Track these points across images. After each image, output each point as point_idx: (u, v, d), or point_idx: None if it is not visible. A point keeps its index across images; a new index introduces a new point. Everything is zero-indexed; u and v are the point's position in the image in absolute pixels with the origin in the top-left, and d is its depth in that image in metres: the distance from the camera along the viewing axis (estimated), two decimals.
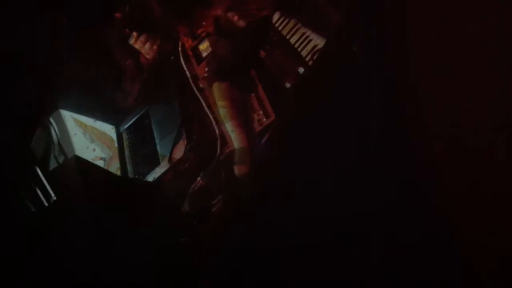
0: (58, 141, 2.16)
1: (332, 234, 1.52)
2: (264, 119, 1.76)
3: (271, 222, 1.53)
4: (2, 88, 1.89)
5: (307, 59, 1.73)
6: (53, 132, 2.16)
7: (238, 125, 1.78)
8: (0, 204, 1.64)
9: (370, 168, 1.48)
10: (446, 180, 1.47)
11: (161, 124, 2.21)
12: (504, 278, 1.40)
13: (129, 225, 1.66)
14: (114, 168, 2.27)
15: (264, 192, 1.58)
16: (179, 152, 2.04)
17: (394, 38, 1.53)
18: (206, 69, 1.98)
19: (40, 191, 1.72)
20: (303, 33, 1.77)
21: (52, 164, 2.11)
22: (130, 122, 2.36)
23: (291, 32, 1.81)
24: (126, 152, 2.30)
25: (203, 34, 2.03)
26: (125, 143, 2.33)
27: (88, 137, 2.36)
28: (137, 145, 2.28)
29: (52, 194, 1.71)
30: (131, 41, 2.15)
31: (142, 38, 2.12)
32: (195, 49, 2.05)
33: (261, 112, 1.77)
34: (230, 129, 1.79)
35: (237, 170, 1.73)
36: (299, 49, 1.76)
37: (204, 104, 1.96)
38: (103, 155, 2.33)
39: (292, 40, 1.79)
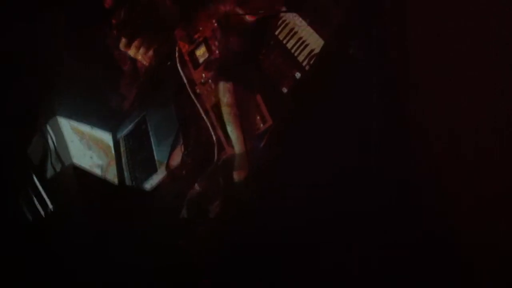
0: (55, 148, 2.16)
1: (332, 235, 1.51)
2: (261, 125, 1.75)
3: (271, 223, 1.53)
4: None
5: (304, 63, 1.73)
6: (49, 139, 2.16)
7: (238, 128, 1.77)
8: None
9: (369, 169, 1.48)
10: (446, 180, 1.47)
11: (158, 130, 2.20)
12: (504, 279, 1.39)
13: (127, 232, 1.66)
14: (111, 174, 2.26)
15: (263, 193, 1.58)
16: (176, 158, 2.03)
17: (394, 38, 1.53)
18: (211, 67, 1.97)
19: (37, 199, 1.71)
20: (300, 38, 1.77)
21: (49, 172, 2.10)
22: (127, 129, 2.35)
23: (288, 37, 1.81)
24: (123, 159, 2.29)
25: (200, 39, 2.03)
26: (122, 149, 2.32)
27: (85, 144, 2.35)
28: (134, 152, 2.27)
29: (49, 202, 1.71)
30: (122, 47, 2.13)
31: (136, 43, 2.11)
32: (192, 54, 2.05)
33: (257, 117, 1.77)
34: (231, 131, 1.78)
35: (236, 175, 1.72)
36: (296, 53, 1.76)
37: (201, 109, 1.96)
38: (100, 162, 2.33)
39: (289, 45, 1.79)
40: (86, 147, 2.35)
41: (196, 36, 2.05)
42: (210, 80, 1.97)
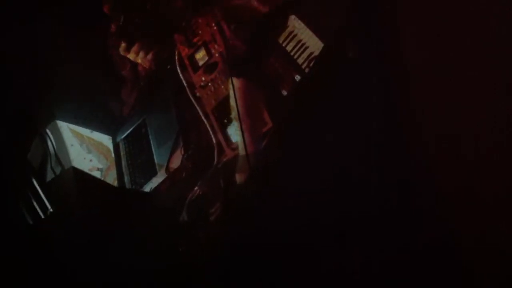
0: (55, 152, 2.15)
1: (331, 237, 1.51)
2: (262, 127, 1.76)
3: (271, 223, 1.52)
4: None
5: (303, 66, 1.73)
6: (49, 143, 2.15)
7: (245, 129, 1.76)
8: None
9: (369, 170, 1.48)
10: (446, 181, 1.47)
11: (158, 133, 2.20)
12: (505, 282, 1.39)
13: (127, 235, 1.65)
14: (111, 178, 2.26)
15: (263, 195, 1.57)
16: (176, 161, 2.03)
17: (394, 39, 1.53)
18: (210, 70, 1.97)
19: (37, 202, 1.71)
20: (299, 41, 1.77)
21: (49, 175, 2.10)
22: (127, 132, 2.35)
23: (287, 40, 1.81)
24: (123, 162, 2.29)
25: (200, 43, 2.03)
26: (122, 153, 2.32)
27: (85, 148, 2.35)
28: (134, 155, 2.28)
29: (49, 206, 1.71)
30: (121, 51, 2.14)
31: (135, 48, 2.12)
32: (192, 58, 2.05)
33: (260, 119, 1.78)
34: (237, 130, 1.77)
35: (238, 177, 1.72)
36: (295, 56, 1.76)
37: (200, 112, 1.96)
38: (100, 166, 2.33)
39: (289, 48, 1.80)
40: (86, 151, 2.35)
41: (195, 40, 2.06)
42: (209, 83, 1.98)
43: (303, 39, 1.77)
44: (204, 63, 2.01)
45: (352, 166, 1.51)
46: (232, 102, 1.80)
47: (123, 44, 2.12)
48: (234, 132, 1.84)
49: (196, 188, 1.84)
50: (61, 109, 2.30)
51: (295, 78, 1.74)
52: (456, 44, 1.43)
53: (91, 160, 2.34)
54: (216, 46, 1.98)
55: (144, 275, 1.59)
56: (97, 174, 2.29)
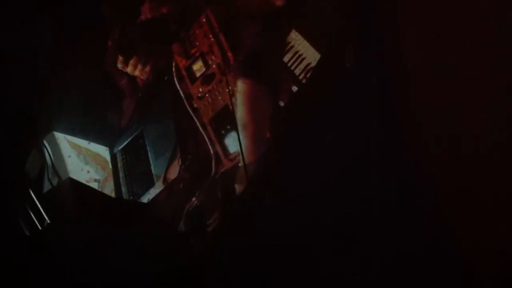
0: (52, 163, 2.15)
1: (332, 238, 1.50)
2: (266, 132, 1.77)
3: (271, 224, 1.51)
4: None
5: (300, 77, 1.74)
6: (47, 154, 2.15)
7: (248, 135, 1.76)
8: None
9: (369, 171, 1.47)
10: (446, 182, 1.46)
11: (156, 144, 2.20)
12: (505, 282, 1.39)
13: (124, 246, 1.65)
14: (109, 189, 2.26)
15: (263, 195, 1.56)
16: (174, 172, 2.03)
17: (393, 39, 1.53)
18: (208, 81, 1.97)
19: (34, 213, 1.70)
20: (296, 52, 1.78)
21: (46, 186, 2.10)
22: (125, 143, 2.35)
23: (285, 51, 1.82)
24: (121, 173, 2.28)
25: (197, 54, 2.04)
26: (120, 164, 2.32)
27: (82, 159, 2.35)
28: (132, 166, 2.27)
29: (46, 217, 1.70)
30: (119, 65, 2.15)
31: (132, 61, 2.12)
32: (189, 69, 2.06)
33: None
34: (242, 136, 1.76)
35: (238, 187, 1.72)
36: (292, 67, 1.77)
37: (198, 123, 1.97)
38: (97, 177, 2.33)
39: (286, 59, 1.81)
40: (83, 162, 2.35)
41: (192, 51, 2.07)
42: (207, 94, 1.98)
43: (300, 50, 1.78)
44: (202, 74, 2.02)
45: (352, 167, 1.50)
46: (236, 109, 1.80)
47: (120, 58, 2.13)
48: (232, 143, 1.84)
49: (194, 198, 1.84)
50: (58, 121, 2.29)
51: (293, 89, 1.75)
52: (456, 44, 1.43)
53: (88, 171, 2.33)
54: (213, 57, 1.99)
55: (141, 286, 1.59)
56: (94, 185, 2.29)
